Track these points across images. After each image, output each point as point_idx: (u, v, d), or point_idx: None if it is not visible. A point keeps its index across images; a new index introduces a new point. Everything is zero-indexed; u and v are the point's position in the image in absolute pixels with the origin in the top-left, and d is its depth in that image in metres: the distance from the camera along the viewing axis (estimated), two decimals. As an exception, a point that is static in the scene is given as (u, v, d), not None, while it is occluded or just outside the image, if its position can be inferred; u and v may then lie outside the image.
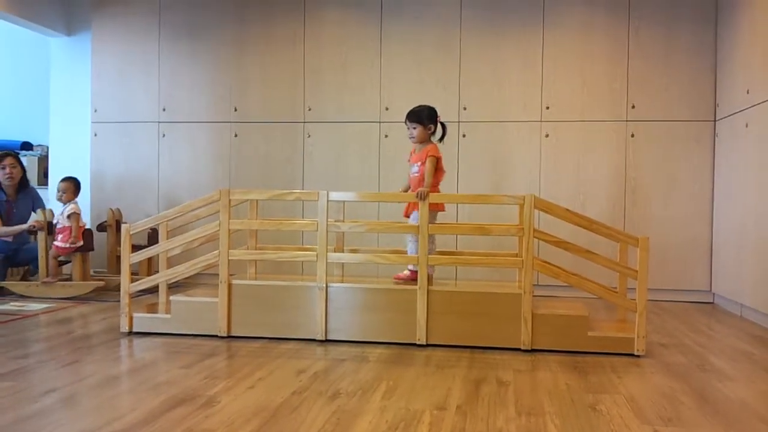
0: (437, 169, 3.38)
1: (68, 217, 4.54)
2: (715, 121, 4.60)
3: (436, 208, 3.37)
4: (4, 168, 4.79)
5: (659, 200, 4.67)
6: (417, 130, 3.44)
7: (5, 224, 4.76)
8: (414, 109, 3.49)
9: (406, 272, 3.40)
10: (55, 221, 4.62)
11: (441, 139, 3.49)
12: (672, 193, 4.66)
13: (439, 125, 3.47)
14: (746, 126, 4.01)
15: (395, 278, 3.41)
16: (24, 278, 4.84)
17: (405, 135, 4.82)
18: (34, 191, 5.08)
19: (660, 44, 4.66)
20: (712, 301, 4.63)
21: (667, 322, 3.86)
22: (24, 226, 4.69)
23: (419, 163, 3.41)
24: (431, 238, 3.34)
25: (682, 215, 4.64)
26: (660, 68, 4.67)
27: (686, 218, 4.64)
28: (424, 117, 3.43)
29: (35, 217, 4.78)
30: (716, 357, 3.04)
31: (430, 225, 3.19)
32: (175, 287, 4.31)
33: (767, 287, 3.68)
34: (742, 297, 4.06)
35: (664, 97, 4.66)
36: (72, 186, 4.66)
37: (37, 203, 4.96)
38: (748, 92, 3.98)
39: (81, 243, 4.56)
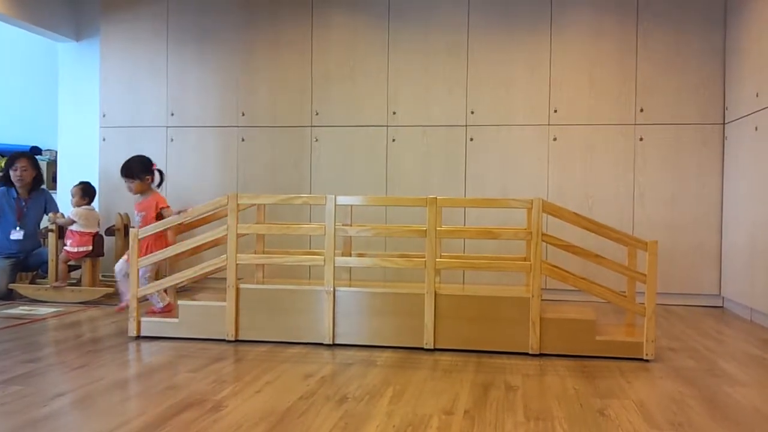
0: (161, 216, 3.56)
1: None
2: (724, 124, 4.57)
3: (159, 246, 3.50)
4: (15, 170, 4.83)
5: (668, 204, 4.64)
6: (134, 185, 3.62)
7: (17, 222, 4.80)
8: (125, 164, 3.65)
9: (159, 306, 3.55)
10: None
11: (159, 184, 3.68)
12: (681, 197, 4.63)
13: (156, 173, 3.65)
14: (755, 129, 3.99)
15: (148, 312, 3.51)
16: (32, 282, 4.86)
17: (413, 139, 4.92)
18: (47, 194, 5.09)
19: (668, 47, 4.65)
20: (721, 305, 4.60)
21: (676, 327, 3.84)
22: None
23: (143, 213, 3.62)
24: (153, 265, 3.49)
25: (690, 219, 4.62)
26: (668, 71, 4.65)
27: (695, 222, 4.61)
28: (136, 171, 3.59)
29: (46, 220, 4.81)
30: (726, 362, 3.01)
31: (438, 229, 3.18)
32: (182, 291, 4.32)
33: (777, 291, 3.66)
34: (752, 301, 4.03)
35: (673, 101, 4.64)
36: (78, 191, 4.67)
37: (50, 205, 4.98)
38: (757, 95, 3.96)
39: (90, 248, 4.57)
